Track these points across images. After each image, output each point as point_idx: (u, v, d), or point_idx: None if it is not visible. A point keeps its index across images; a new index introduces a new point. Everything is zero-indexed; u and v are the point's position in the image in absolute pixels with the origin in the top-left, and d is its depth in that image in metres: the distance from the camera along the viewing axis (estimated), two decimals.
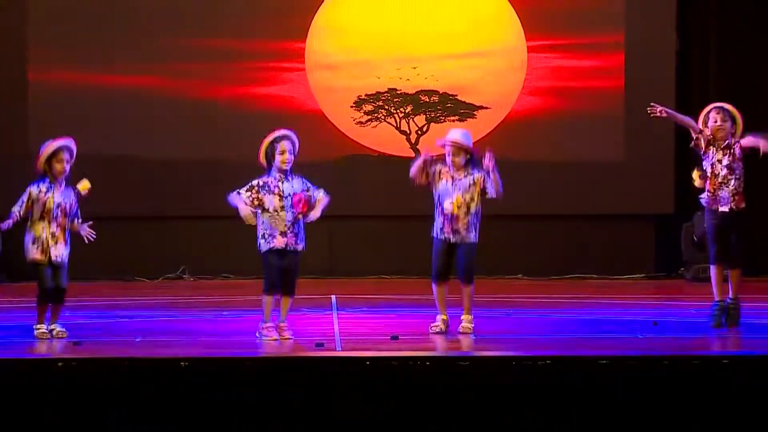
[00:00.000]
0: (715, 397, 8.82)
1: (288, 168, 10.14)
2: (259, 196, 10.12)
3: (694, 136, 10.72)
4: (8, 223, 10.17)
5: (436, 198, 10.48)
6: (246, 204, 10.08)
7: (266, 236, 10.13)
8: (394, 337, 10.27)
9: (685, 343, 10.30)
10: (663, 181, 15.23)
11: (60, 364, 9.04)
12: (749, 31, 15.32)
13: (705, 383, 8.89)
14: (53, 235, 10.23)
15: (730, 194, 10.63)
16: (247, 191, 10.14)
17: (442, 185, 10.44)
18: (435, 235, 10.51)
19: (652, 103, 10.77)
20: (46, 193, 10.21)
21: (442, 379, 8.91)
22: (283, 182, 10.13)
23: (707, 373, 8.97)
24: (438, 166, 10.49)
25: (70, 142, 10.34)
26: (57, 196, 10.25)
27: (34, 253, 10.24)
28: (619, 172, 15.29)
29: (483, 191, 10.40)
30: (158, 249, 15.29)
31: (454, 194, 10.40)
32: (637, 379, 8.89)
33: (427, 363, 8.99)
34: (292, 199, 10.09)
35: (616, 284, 14.71)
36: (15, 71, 15.13)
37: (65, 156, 10.26)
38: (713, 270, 10.73)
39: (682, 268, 15.06)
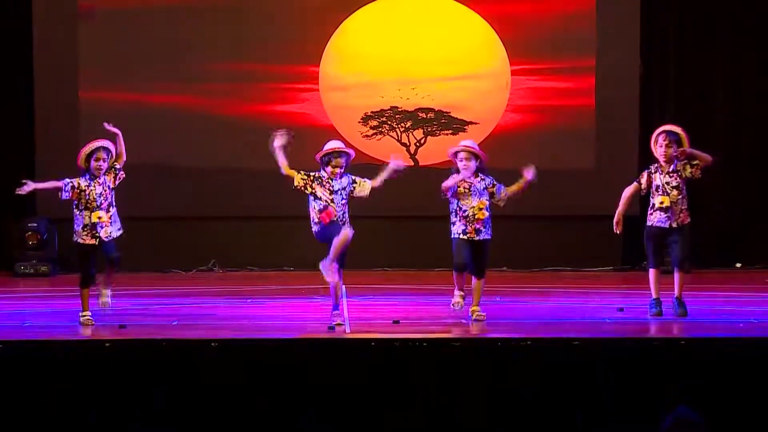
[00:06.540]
0: (672, 373, 8.86)
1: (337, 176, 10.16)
2: (313, 185, 10.10)
3: (640, 183, 10.68)
4: (57, 188, 10.12)
5: (455, 205, 10.43)
6: (297, 183, 10.02)
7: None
8: (396, 322, 10.29)
9: (646, 326, 10.31)
10: (628, 186, 15.17)
11: (107, 344, 9.10)
12: (703, 59, 15.32)
13: (664, 361, 8.92)
14: (101, 218, 10.15)
15: (679, 212, 10.59)
16: (303, 174, 10.10)
17: (463, 194, 10.43)
18: (457, 236, 10.42)
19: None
20: (88, 187, 10.18)
21: (438, 357, 8.94)
22: (333, 179, 10.14)
23: (666, 353, 9.00)
24: (454, 181, 10.42)
25: (106, 143, 10.32)
26: (98, 188, 10.19)
27: (84, 237, 10.16)
28: (591, 178, 15.26)
29: (491, 194, 10.46)
30: (191, 244, 15.24)
31: (476, 199, 10.41)
32: (605, 358, 8.93)
33: (425, 344, 9.02)
34: (327, 207, 10.07)
35: (587, 276, 14.68)
36: (68, 91, 15.12)
37: (103, 155, 10.23)
38: (652, 273, 10.71)
39: (645, 262, 15.01)
